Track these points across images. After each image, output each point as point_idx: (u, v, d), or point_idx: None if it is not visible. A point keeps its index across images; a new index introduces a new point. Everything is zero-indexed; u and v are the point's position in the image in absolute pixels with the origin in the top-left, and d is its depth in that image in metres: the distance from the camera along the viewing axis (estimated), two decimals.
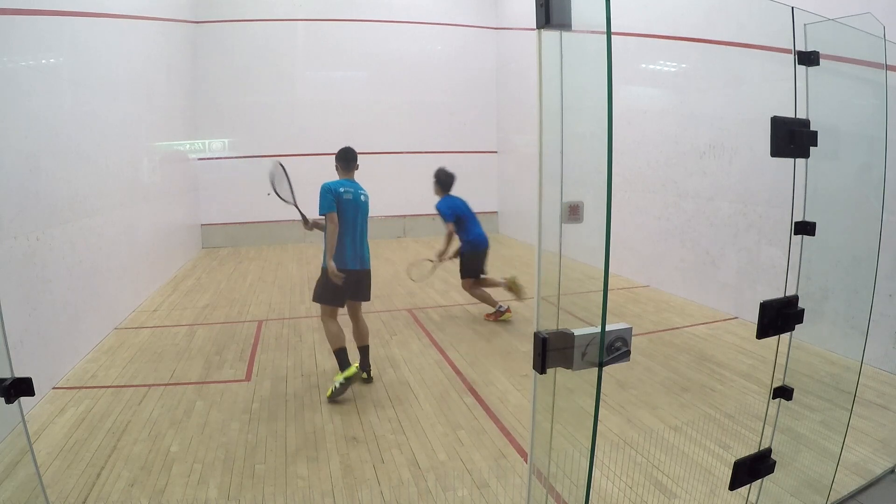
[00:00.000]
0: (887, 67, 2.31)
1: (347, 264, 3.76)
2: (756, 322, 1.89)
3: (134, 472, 2.80)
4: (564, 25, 1.26)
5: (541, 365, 1.34)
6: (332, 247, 3.70)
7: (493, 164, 11.35)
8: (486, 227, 11.16)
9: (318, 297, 3.87)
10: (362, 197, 3.87)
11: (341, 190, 3.77)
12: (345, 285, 3.73)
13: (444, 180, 5.70)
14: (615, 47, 1.21)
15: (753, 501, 2.22)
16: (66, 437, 3.13)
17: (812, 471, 2.37)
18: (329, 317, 3.82)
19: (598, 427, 1.38)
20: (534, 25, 1.27)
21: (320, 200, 3.72)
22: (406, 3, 10.39)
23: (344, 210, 3.75)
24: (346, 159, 3.95)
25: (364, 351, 3.96)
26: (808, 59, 1.94)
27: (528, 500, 1.58)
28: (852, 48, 2.20)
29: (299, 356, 4.46)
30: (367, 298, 4.01)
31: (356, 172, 3.99)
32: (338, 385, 3.57)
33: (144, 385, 3.88)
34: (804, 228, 2.00)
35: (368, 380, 3.92)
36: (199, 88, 9.42)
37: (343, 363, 3.67)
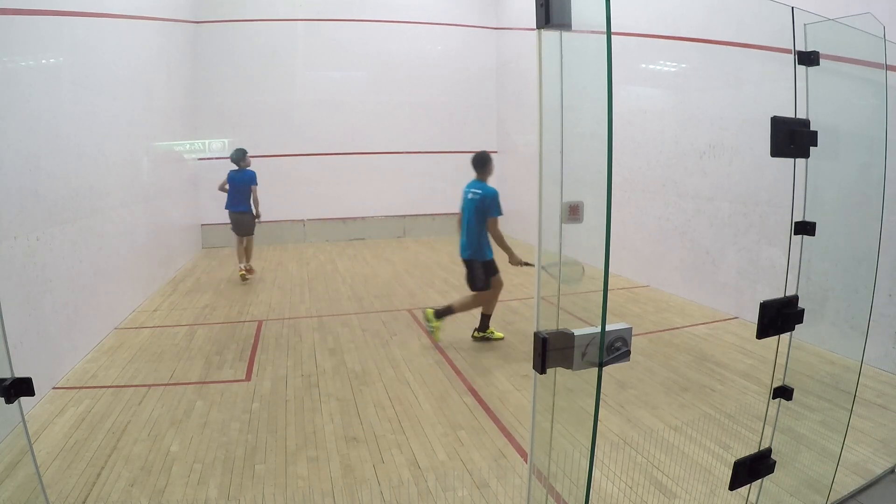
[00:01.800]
0: (887, 67, 2.31)
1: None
2: (756, 322, 1.89)
3: (134, 472, 2.80)
4: (564, 25, 1.26)
5: (541, 365, 1.34)
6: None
7: (493, 164, 11.34)
8: None
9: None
10: (468, 195, 4.57)
11: (464, 191, 4.63)
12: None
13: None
14: (615, 47, 1.21)
15: (753, 501, 2.22)
16: (66, 437, 3.13)
17: (812, 471, 2.37)
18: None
19: (598, 427, 1.38)
20: (534, 25, 1.27)
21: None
22: (406, 3, 10.38)
23: (461, 208, 4.65)
24: (474, 163, 4.66)
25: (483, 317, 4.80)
26: (808, 59, 1.94)
27: (528, 500, 1.58)
28: (852, 48, 2.20)
29: (299, 356, 4.46)
30: (471, 283, 4.71)
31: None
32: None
33: (144, 385, 3.89)
34: (804, 228, 2.00)
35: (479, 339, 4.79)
36: (199, 88, 9.41)
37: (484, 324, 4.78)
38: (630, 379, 3.85)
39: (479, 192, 4.48)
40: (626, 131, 6.46)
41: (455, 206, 12.23)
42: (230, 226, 7.25)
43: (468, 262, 4.64)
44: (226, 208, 7.19)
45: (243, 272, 7.13)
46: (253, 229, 7.25)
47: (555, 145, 1.32)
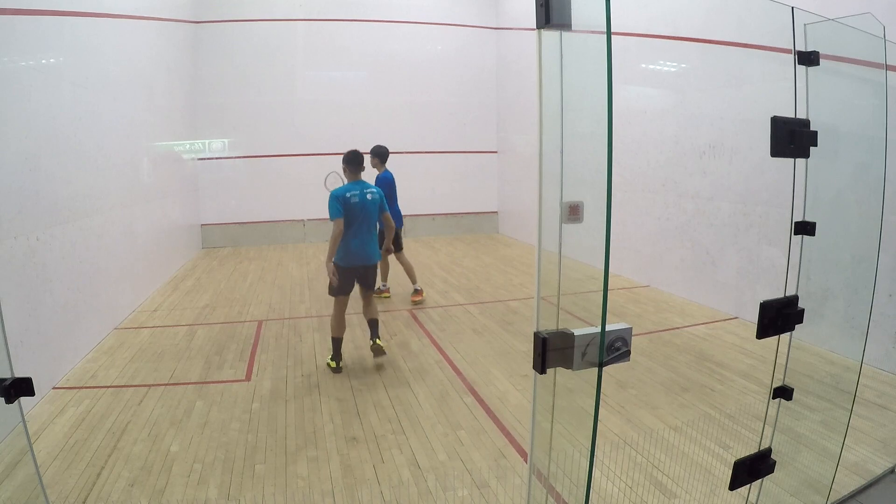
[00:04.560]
0: (887, 67, 2.31)
1: (354, 261, 4.13)
2: (756, 322, 1.89)
3: (134, 472, 2.80)
4: (564, 25, 1.26)
5: (541, 365, 1.34)
6: (332, 250, 4.05)
7: (493, 164, 11.35)
8: (486, 227, 11.38)
9: (330, 291, 4.20)
10: (368, 196, 4.13)
11: (348, 195, 4.05)
12: (350, 279, 4.19)
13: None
14: (615, 47, 1.21)
15: (753, 501, 2.22)
16: (66, 437, 3.13)
17: (812, 471, 2.37)
18: (339, 305, 4.19)
19: (598, 427, 1.38)
20: (534, 25, 1.27)
21: (329, 208, 4.01)
22: (406, 3, 10.38)
23: (351, 214, 4.04)
24: (355, 162, 4.18)
25: (372, 324, 4.32)
26: (808, 59, 1.94)
27: (528, 500, 1.58)
28: (852, 48, 2.20)
29: (299, 356, 4.46)
30: (372, 287, 4.41)
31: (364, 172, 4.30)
32: (331, 367, 4.15)
33: (144, 385, 3.89)
34: (804, 228, 2.00)
35: (378, 350, 4.19)
36: (199, 88, 9.42)
37: (335, 353, 4.18)
38: (630, 379, 3.85)
39: (373, 189, 4.21)
40: (626, 131, 6.46)
41: (454, 205, 12.05)
42: None
43: (374, 266, 4.37)
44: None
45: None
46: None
47: (555, 145, 1.32)
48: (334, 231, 3.98)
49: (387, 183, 5.76)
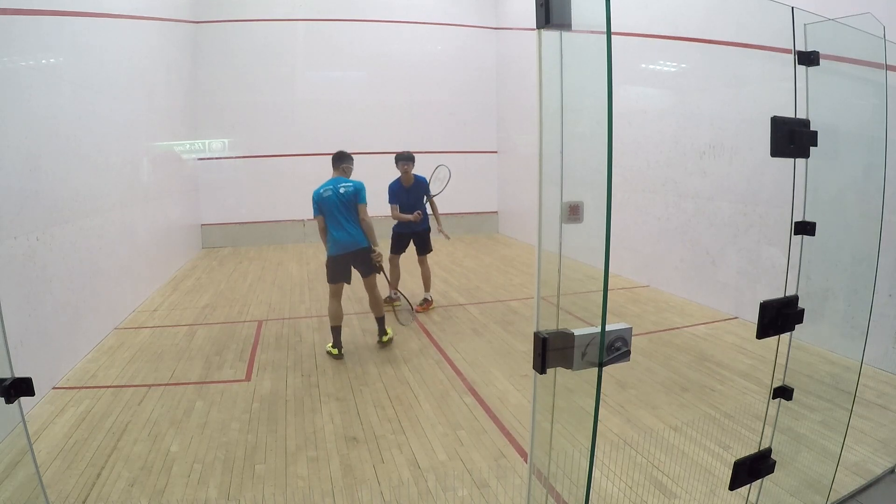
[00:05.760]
0: (887, 67, 2.31)
1: (341, 249, 4.45)
2: (756, 322, 1.89)
3: (134, 472, 2.80)
4: (564, 25, 1.26)
5: (541, 365, 1.34)
6: (323, 241, 4.55)
7: (493, 164, 11.35)
8: (486, 226, 11.38)
9: (327, 279, 4.62)
10: (341, 189, 4.46)
11: (321, 191, 4.45)
12: (341, 266, 4.50)
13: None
14: (615, 47, 1.21)
15: (753, 501, 2.22)
16: (66, 437, 3.13)
17: (812, 471, 2.37)
18: (332, 296, 4.52)
19: (598, 427, 1.38)
20: (534, 25, 1.27)
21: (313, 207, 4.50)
22: (406, 3, 10.38)
23: (326, 207, 4.40)
24: (335, 160, 4.70)
25: (380, 321, 4.68)
26: (808, 59, 1.94)
27: (528, 500, 1.58)
28: (852, 48, 2.20)
29: (299, 356, 4.46)
30: (370, 273, 4.60)
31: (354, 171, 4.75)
32: (332, 355, 4.40)
33: (144, 385, 3.89)
34: (804, 228, 2.00)
35: (386, 343, 4.65)
36: (199, 88, 9.42)
37: (335, 341, 4.43)
38: (630, 379, 3.85)
39: (347, 183, 4.49)
40: (626, 131, 6.46)
41: (454, 205, 12.05)
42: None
43: (362, 250, 4.51)
44: None
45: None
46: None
47: (555, 145, 1.32)
48: (318, 227, 4.51)
49: (426, 185, 5.95)
